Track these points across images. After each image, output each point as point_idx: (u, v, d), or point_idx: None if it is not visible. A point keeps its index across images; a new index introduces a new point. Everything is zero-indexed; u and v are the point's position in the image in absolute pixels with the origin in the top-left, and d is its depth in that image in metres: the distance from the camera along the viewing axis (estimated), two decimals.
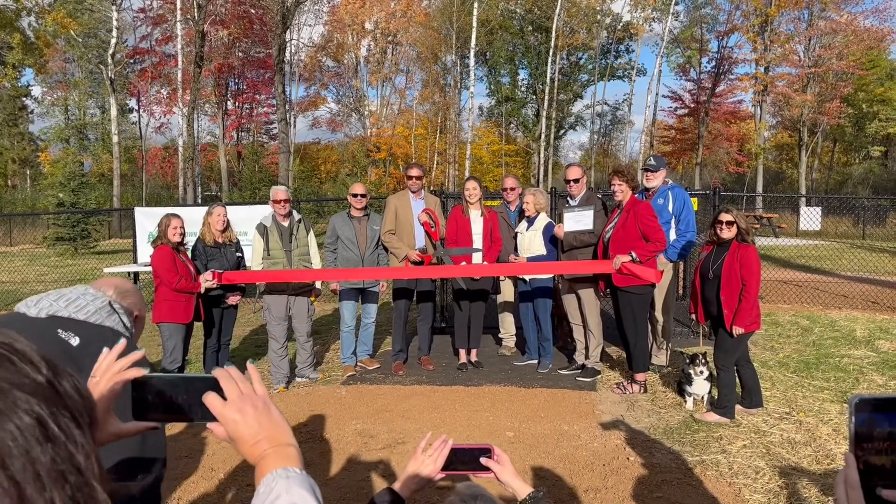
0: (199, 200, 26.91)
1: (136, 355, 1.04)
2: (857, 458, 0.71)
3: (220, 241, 5.80)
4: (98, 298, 1.63)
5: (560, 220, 6.01)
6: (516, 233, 6.30)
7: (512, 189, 6.67)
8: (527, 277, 6.12)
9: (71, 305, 1.57)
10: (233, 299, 5.81)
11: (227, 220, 5.89)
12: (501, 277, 6.70)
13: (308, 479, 0.86)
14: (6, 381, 0.56)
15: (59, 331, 1.50)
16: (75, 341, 1.49)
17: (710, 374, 4.98)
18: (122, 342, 1.10)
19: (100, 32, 31.31)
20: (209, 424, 0.91)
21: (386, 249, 6.21)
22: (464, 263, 6.06)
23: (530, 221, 6.12)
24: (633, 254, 5.18)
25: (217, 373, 0.92)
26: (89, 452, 0.58)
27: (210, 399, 0.90)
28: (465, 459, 1.43)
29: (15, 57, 31.24)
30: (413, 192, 6.29)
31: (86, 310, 1.59)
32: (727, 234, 4.68)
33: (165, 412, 0.96)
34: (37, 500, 0.52)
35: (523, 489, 1.44)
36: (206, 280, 5.37)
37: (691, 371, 5.01)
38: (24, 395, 0.56)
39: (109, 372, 0.99)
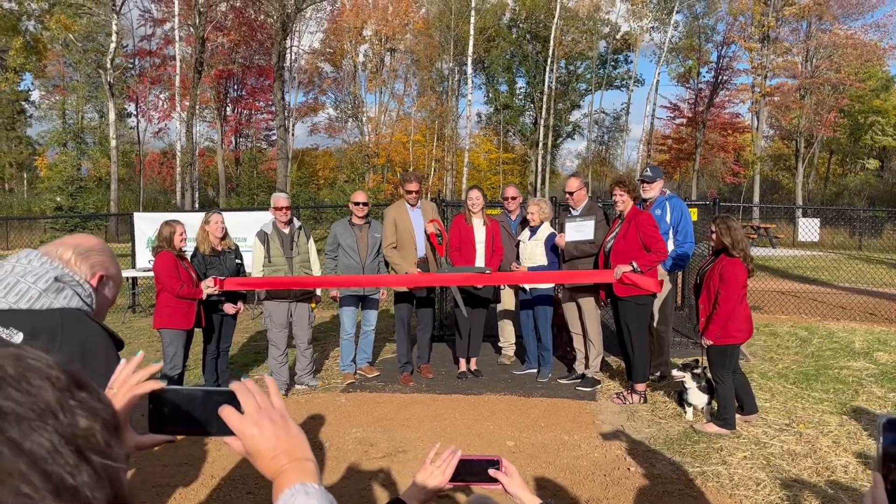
0: (197, 206, 26.86)
1: (152, 368, 1.03)
2: (885, 478, 0.72)
3: (218, 249, 5.78)
4: (41, 277, 1.43)
5: (561, 230, 6.01)
6: (518, 241, 6.30)
7: (513, 198, 6.69)
8: (527, 286, 6.13)
9: (10, 294, 1.39)
10: (230, 309, 5.74)
11: (225, 228, 5.87)
12: (502, 286, 6.70)
13: (327, 494, 0.85)
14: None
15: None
16: (18, 337, 1.35)
17: (709, 385, 4.96)
18: (140, 354, 1.09)
19: (99, 36, 31.32)
20: (226, 439, 0.90)
21: (387, 263, 6.19)
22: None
23: (533, 231, 6.13)
24: (634, 264, 5.19)
25: (234, 386, 0.91)
26: (121, 465, 0.58)
27: (227, 413, 0.88)
28: (473, 470, 1.43)
29: (16, 61, 31.21)
30: (410, 204, 6.29)
31: (28, 296, 1.40)
32: (713, 242, 4.86)
33: (182, 425, 0.95)
34: None
35: (532, 501, 1.44)
36: (208, 286, 5.35)
37: (683, 379, 5.02)
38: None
39: (127, 384, 0.98)
